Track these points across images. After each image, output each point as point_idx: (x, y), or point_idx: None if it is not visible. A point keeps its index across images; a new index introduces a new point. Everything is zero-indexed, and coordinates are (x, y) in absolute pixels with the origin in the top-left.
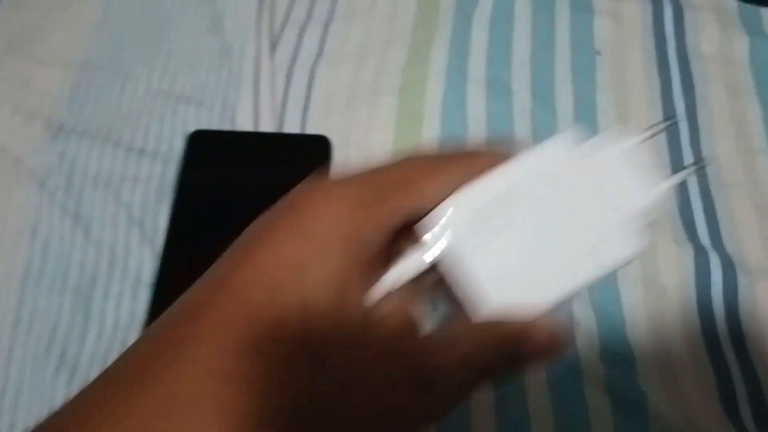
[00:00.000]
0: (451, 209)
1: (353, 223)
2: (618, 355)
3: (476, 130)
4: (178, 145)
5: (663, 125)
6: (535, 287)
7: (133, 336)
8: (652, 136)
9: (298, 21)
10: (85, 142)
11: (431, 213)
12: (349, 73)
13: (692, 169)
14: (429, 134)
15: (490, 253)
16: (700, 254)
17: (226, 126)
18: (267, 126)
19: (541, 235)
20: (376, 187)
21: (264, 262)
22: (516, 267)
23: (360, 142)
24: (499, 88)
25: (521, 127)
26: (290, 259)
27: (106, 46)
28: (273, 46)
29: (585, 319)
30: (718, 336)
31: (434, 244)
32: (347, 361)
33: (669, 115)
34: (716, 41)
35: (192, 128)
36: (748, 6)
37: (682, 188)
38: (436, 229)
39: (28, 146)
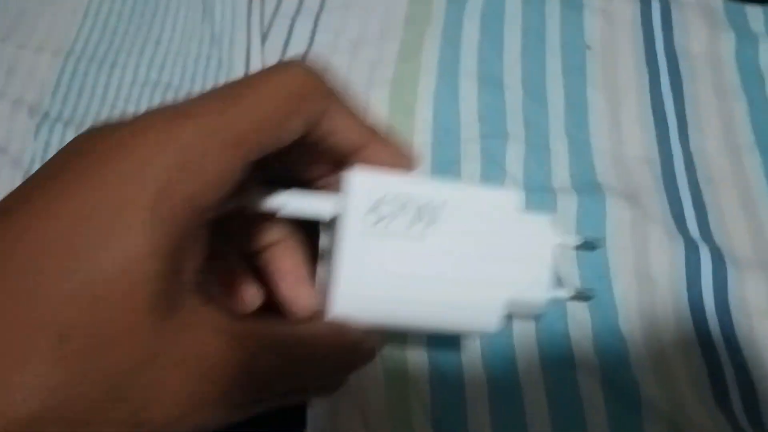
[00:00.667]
0: (377, 184)
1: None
2: (612, 348)
3: (468, 123)
4: None
5: (589, 246)
6: (386, 305)
7: None
8: (576, 248)
9: (288, 12)
10: (70, 131)
11: (362, 173)
12: (341, 66)
13: (570, 300)
14: (421, 127)
15: (375, 247)
16: (690, 246)
17: None
18: None
19: (425, 261)
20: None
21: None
22: (383, 275)
23: None
24: (491, 82)
25: (513, 120)
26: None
27: (94, 34)
28: (264, 37)
29: (579, 309)
30: (709, 327)
31: (343, 203)
32: None
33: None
34: (704, 39)
35: None
36: (733, 3)
37: (672, 182)
38: (354, 191)
39: (12, 135)
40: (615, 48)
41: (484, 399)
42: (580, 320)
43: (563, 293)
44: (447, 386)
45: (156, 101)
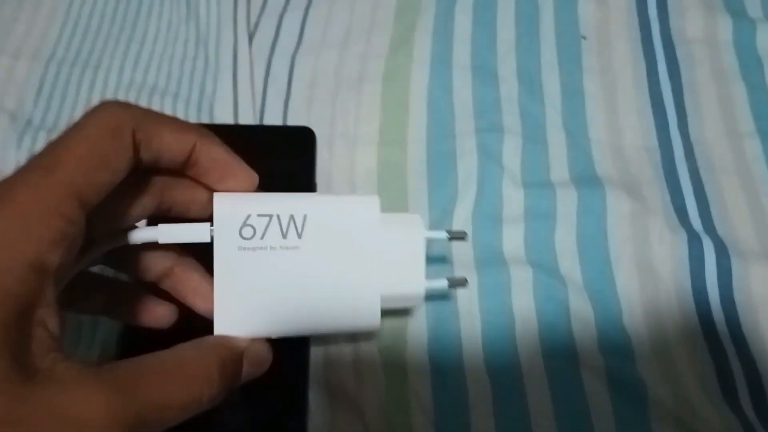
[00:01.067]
0: (243, 203)
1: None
2: (615, 344)
3: (463, 116)
4: None
5: (453, 236)
6: (269, 313)
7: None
8: (450, 239)
9: (276, 8)
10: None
11: (227, 196)
12: (331, 62)
13: (449, 287)
14: (415, 122)
15: (253, 260)
16: (693, 239)
17: (204, 119)
18: (247, 118)
19: (302, 268)
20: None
21: None
22: (263, 285)
23: (345, 132)
24: (485, 75)
25: (509, 113)
26: None
27: (75, 37)
28: (251, 35)
29: (581, 307)
30: (714, 321)
31: (221, 226)
32: None
33: (657, 102)
34: (700, 24)
35: None
36: None
37: (672, 172)
38: (223, 211)
39: None
40: (610, 36)
41: (488, 400)
42: (582, 316)
43: (441, 283)
44: (448, 388)
45: (143, 104)
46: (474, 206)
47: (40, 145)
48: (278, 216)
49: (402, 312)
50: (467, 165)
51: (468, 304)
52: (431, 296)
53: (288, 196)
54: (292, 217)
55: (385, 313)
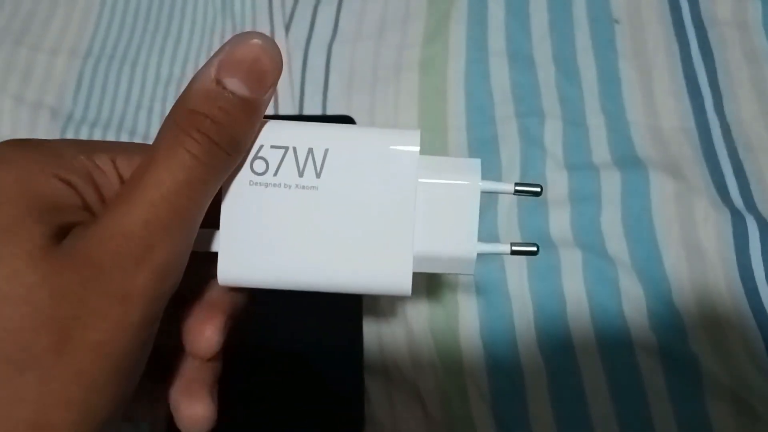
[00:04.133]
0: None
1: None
2: (667, 321)
3: (502, 102)
4: None
5: (523, 189)
6: (280, 262)
7: None
8: (518, 192)
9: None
10: (98, 132)
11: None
12: (368, 52)
13: (512, 253)
14: (454, 109)
15: (264, 198)
16: (736, 217)
17: None
18: (287, 109)
19: (318, 216)
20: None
21: None
22: (275, 230)
23: (385, 121)
24: (521, 60)
25: (548, 97)
26: None
27: (111, 32)
28: (287, 26)
29: (631, 287)
30: (761, 297)
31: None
32: None
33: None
34: (729, 5)
35: None
36: None
37: (711, 152)
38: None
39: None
40: (642, 19)
41: (543, 382)
42: (632, 296)
43: (500, 248)
44: (504, 373)
45: None
46: None
47: (83, 138)
48: (294, 149)
49: (451, 294)
50: (510, 149)
51: (519, 287)
52: (486, 267)
53: (310, 126)
54: (311, 151)
55: (430, 281)
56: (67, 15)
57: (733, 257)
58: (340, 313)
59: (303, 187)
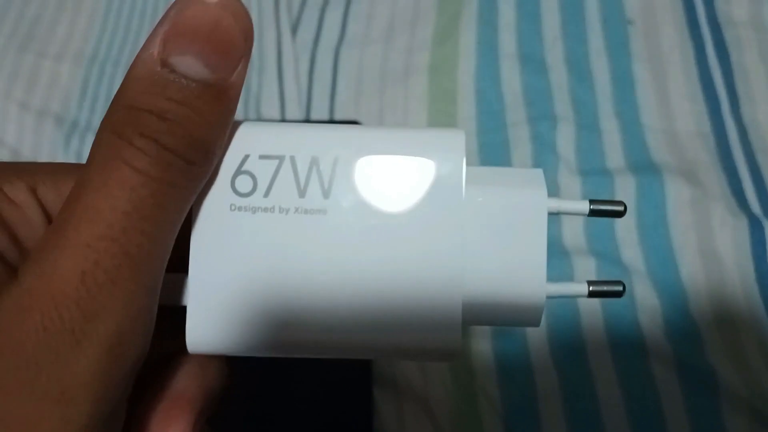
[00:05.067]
0: (243, 138)
1: None
2: (683, 331)
3: (514, 106)
4: None
5: (600, 210)
6: (264, 325)
7: None
8: (593, 213)
9: (317, 2)
10: None
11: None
12: (376, 55)
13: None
14: (464, 113)
15: (252, 229)
16: (754, 223)
17: (251, 115)
18: (294, 114)
19: (328, 250)
20: None
21: None
22: (267, 274)
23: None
24: (533, 63)
25: (560, 101)
26: None
27: (116, 37)
28: (294, 29)
29: (646, 295)
30: None
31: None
32: None
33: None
34: (745, 6)
35: None
36: None
37: (728, 157)
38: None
39: (40, 147)
40: (656, 20)
41: (556, 393)
42: (648, 305)
43: (576, 288)
44: (516, 383)
45: None
46: None
47: (88, 146)
48: (292, 159)
49: None
50: (521, 154)
51: None
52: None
53: (312, 128)
54: (314, 162)
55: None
56: (73, 20)
57: (751, 265)
58: None
59: (305, 212)
